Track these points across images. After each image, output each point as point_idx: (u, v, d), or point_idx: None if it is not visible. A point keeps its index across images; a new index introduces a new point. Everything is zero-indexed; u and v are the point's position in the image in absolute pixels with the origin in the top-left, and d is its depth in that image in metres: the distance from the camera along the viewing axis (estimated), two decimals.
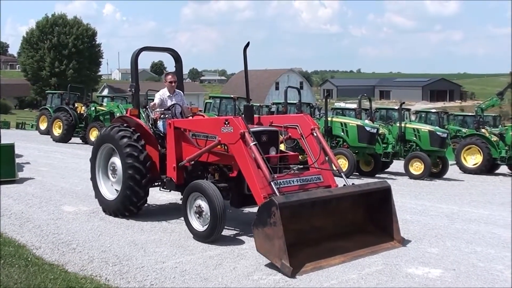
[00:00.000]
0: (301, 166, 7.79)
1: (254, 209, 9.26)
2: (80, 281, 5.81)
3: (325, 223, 7.13)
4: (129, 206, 8.62)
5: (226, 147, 7.70)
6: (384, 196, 7.45)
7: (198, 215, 7.46)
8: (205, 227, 7.33)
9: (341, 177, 7.77)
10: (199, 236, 7.46)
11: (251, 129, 7.34)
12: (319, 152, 7.81)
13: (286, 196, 6.40)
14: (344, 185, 7.54)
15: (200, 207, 7.37)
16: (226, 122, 7.40)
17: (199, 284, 5.86)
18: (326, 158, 7.97)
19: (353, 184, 7.64)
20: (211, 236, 7.27)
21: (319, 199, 6.78)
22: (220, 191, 7.28)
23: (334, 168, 8.03)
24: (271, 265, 6.28)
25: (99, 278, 5.99)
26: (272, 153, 7.75)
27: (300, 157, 8.97)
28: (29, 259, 6.50)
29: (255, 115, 8.81)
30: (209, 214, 7.20)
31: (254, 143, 7.02)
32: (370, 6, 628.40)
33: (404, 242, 7.44)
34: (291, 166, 7.72)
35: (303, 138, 8.08)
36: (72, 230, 8.02)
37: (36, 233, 7.85)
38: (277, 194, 6.55)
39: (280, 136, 8.32)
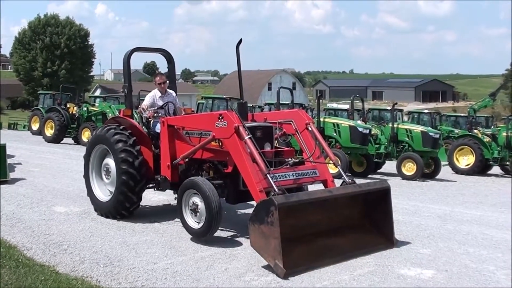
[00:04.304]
0: (297, 160, 7.70)
1: (247, 211, 9.29)
2: (71, 282, 5.78)
3: (324, 223, 7.06)
4: (121, 210, 8.57)
5: (220, 143, 7.65)
6: (383, 196, 7.39)
7: (193, 213, 7.39)
8: (201, 224, 7.25)
9: (340, 175, 7.75)
10: (194, 234, 7.39)
11: (246, 125, 7.27)
12: (314, 147, 7.76)
13: (285, 196, 6.30)
14: (343, 181, 7.48)
15: (196, 204, 7.30)
16: (220, 117, 7.34)
17: (190, 285, 5.83)
18: (322, 152, 7.92)
19: (352, 180, 7.51)
20: (207, 234, 7.21)
21: (319, 200, 6.73)
22: (215, 188, 7.22)
23: (331, 161, 7.98)
24: (263, 266, 6.27)
25: (90, 279, 5.95)
26: (267, 148, 7.66)
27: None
28: (20, 260, 6.44)
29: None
30: (204, 211, 7.13)
31: (248, 136, 6.96)
32: (363, 7, 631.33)
33: (396, 243, 7.44)
34: (286, 160, 7.62)
35: (298, 133, 8.00)
36: (63, 231, 7.98)
37: (27, 233, 7.80)
38: (275, 187, 6.50)
39: (275, 132, 8.22)
